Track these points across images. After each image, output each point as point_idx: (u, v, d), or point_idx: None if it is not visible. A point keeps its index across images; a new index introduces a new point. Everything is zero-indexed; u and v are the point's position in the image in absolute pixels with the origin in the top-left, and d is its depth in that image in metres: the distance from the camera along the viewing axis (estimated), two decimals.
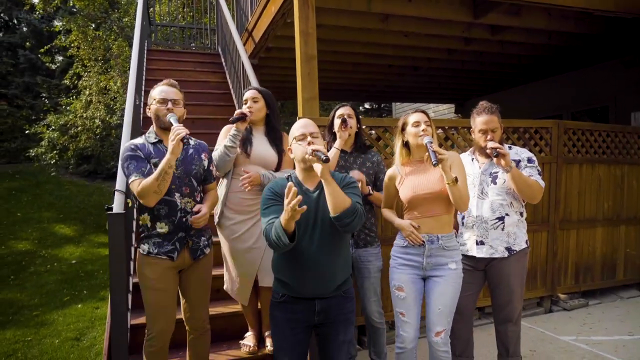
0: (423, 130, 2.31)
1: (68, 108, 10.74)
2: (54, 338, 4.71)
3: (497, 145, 2.48)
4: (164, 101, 2.27)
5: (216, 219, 2.79)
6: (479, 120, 2.62)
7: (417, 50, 6.00)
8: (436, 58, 6.33)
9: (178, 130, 2.08)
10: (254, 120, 2.76)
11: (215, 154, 2.64)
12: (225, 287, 2.88)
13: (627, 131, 4.78)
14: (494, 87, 8.34)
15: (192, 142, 2.39)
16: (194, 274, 2.35)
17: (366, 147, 2.98)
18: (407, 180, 2.44)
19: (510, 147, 2.72)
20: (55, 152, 10.46)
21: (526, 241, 2.70)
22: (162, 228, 2.22)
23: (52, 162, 10.65)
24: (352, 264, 2.81)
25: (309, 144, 1.98)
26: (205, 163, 2.41)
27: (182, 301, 2.40)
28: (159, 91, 2.32)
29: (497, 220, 2.62)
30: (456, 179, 2.22)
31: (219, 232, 2.79)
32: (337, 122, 2.80)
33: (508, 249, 2.63)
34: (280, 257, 2.10)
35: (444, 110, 10.41)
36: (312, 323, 2.10)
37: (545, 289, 4.35)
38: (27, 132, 11.21)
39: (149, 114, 2.35)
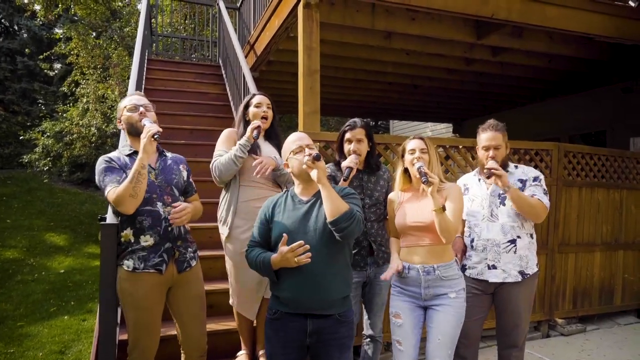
0: (417, 158, 2.29)
1: (64, 115, 10.67)
2: (38, 351, 4.55)
3: (493, 165, 2.44)
4: (134, 108, 2.23)
5: (225, 231, 2.69)
6: (483, 137, 2.59)
7: (418, 69, 6.03)
8: (436, 77, 6.36)
9: (149, 127, 2.05)
10: (264, 127, 2.72)
11: (220, 160, 2.58)
12: (230, 302, 2.78)
13: (626, 156, 4.78)
14: (492, 108, 8.39)
15: (168, 155, 2.37)
16: (184, 291, 2.25)
17: (380, 163, 2.87)
18: (403, 207, 2.40)
19: (516, 167, 2.68)
20: (49, 159, 10.36)
21: (537, 264, 2.65)
22: (146, 241, 2.14)
23: (45, 169, 10.54)
24: (366, 282, 2.73)
25: (307, 154, 1.97)
26: (185, 174, 2.37)
27: (175, 323, 2.30)
28: (126, 101, 2.29)
29: (509, 244, 2.56)
30: (444, 208, 2.18)
31: (226, 247, 2.70)
32: (345, 162, 2.61)
33: (521, 272, 2.57)
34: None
35: (442, 130, 10.45)
36: (305, 344, 2.02)
37: (543, 313, 4.29)
38: (21, 137, 11.09)
39: (120, 127, 2.33)
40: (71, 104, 10.97)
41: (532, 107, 7.91)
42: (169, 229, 2.17)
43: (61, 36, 11.40)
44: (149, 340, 2.16)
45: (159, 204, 2.17)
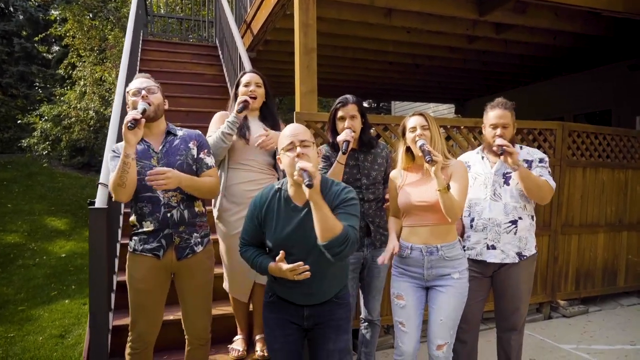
0: (419, 135, 2.20)
1: (62, 98, 10.55)
2: (38, 335, 4.56)
3: (504, 142, 2.35)
4: (137, 92, 2.13)
5: (215, 213, 2.65)
6: (492, 115, 2.50)
7: (419, 48, 5.87)
8: (438, 56, 6.21)
9: (127, 116, 1.93)
10: (253, 106, 2.63)
11: (209, 140, 2.50)
12: (224, 285, 2.75)
13: (632, 135, 4.67)
14: (495, 88, 8.23)
15: (179, 133, 2.25)
16: (187, 278, 2.19)
17: (374, 140, 2.76)
18: (406, 186, 2.33)
19: (521, 147, 2.60)
20: (47, 143, 10.27)
21: (535, 246, 2.59)
22: (147, 227, 2.10)
23: (44, 153, 10.46)
24: (364, 264, 2.69)
25: (297, 155, 1.76)
26: (194, 152, 2.22)
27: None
28: (131, 85, 2.19)
29: (510, 224, 2.49)
30: (448, 187, 2.09)
31: (218, 228, 2.66)
32: (340, 136, 2.53)
33: (519, 254, 2.51)
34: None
35: (444, 111, 10.30)
36: (302, 326, 1.98)
37: (545, 294, 4.25)
38: (19, 121, 11.00)
39: (128, 109, 2.20)
40: (69, 87, 10.83)
41: (536, 86, 7.76)
42: (169, 214, 2.11)
43: (57, 17, 11.20)
44: (146, 324, 2.13)
45: (159, 191, 2.09)
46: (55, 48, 16.35)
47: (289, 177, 1.87)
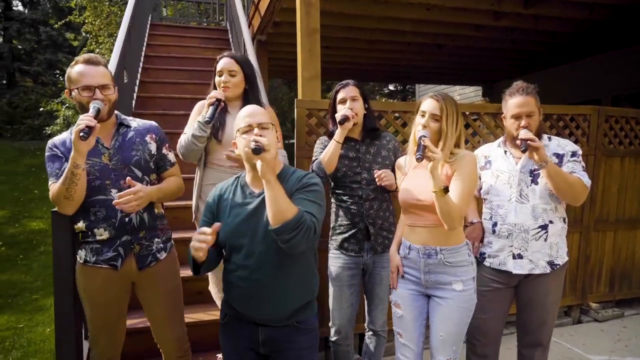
0: (423, 125, 1.90)
1: None
2: (46, 326, 4.52)
3: (528, 135, 2.01)
4: (89, 88, 1.80)
5: (193, 215, 2.44)
6: (512, 103, 2.15)
7: (440, 26, 5.44)
8: (462, 35, 5.75)
9: (80, 121, 1.65)
10: (229, 97, 2.34)
11: (181, 141, 2.27)
12: (210, 287, 2.56)
13: None
14: (525, 68, 7.68)
15: (133, 124, 2.00)
16: (151, 287, 1.98)
17: (378, 129, 2.50)
18: (408, 177, 2.04)
19: (550, 138, 2.24)
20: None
21: (567, 252, 2.26)
22: (101, 235, 1.86)
23: None
24: (364, 269, 2.44)
25: (254, 140, 1.55)
26: (153, 147, 1.99)
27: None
28: (80, 74, 1.82)
29: (539, 229, 2.16)
30: (446, 189, 1.78)
31: (198, 228, 2.45)
32: (339, 112, 2.34)
33: (550, 263, 2.19)
34: (224, 268, 1.75)
35: (471, 93, 9.77)
36: (260, 352, 1.73)
37: (574, 297, 3.87)
38: (41, 109, 11.15)
39: (69, 99, 1.94)
40: None
41: (570, 65, 7.17)
42: (126, 219, 1.88)
43: (76, 4, 11.19)
44: (107, 339, 1.94)
45: (114, 191, 1.85)
46: (83, 34, 16.50)
47: (245, 162, 1.68)
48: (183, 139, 2.27)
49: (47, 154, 1.88)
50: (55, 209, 1.87)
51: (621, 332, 3.67)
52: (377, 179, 2.31)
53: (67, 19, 10.68)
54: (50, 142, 1.89)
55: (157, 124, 2.08)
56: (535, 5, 4.61)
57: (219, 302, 2.43)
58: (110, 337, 1.94)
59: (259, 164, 1.51)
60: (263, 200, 1.60)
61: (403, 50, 6.53)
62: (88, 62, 1.84)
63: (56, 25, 11.10)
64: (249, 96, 2.42)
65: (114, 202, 1.77)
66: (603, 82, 6.69)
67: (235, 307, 1.70)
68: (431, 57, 6.89)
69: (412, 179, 2.01)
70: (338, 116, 2.26)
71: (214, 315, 2.68)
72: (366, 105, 2.41)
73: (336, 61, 6.85)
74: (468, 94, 9.79)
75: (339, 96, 2.38)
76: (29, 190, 10.03)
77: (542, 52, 6.68)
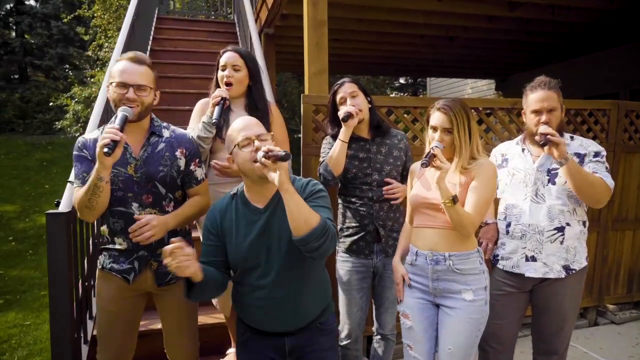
0: (438, 140, 1.82)
1: (92, 80, 10.59)
2: None
3: (549, 130, 1.89)
4: (123, 86, 1.70)
5: None
6: (533, 98, 2.04)
7: (453, 18, 5.27)
8: (474, 27, 5.57)
9: (105, 134, 1.53)
10: (232, 95, 2.24)
11: None
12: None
13: None
14: (539, 61, 7.46)
15: (166, 134, 1.85)
16: (169, 299, 1.89)
17: (386, 126, 2.39)
18: (422, 178, 1.94)
19: (572, 137, 2.13)
20: (79, 124, 10.39)
21: (586, 257, 2.14)
22: (120, 244, 1.79)
23: (77, 135, 10.61)
24: (374, 272, 2.35)
25: (256, 149, 1.50)
26: (182, 162, 1.84)
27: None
28: (119, 70, 1.72)
29: (555, 231, 2.05)
30: (454, 199, 1.68)
31: (198, 230, 2.38)
32: (341, 111, 2.22)
33: (566, 267, 2.07)
34: (234, 290, 1.69)
35: (483, 87, 9.56)
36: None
37: (591, 298, 3.74)
38: (51, 104, 11.19)
39: (108, 96, 1.80)
40: (99, 68, 10.86)
41: (587, 58, 6.94)
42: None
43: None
44: (117, 350, 1.86)
45: (135, 205, 1.75)
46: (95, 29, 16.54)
47: (247, 174, 1.59)
48: None
49: (75, 152, 1.77)
50: (51, 211, 1.81)
51: (639, 336, 3.54)
52: (384, 191, 2.23)
53: (77, 13, 10.65)
54: (80, 141, 1.78)
55: (189, 136, 1.94)
56: None
57: (218, 307, 2.36)
58: (116, 351, 1.87)
59: (274, 176, 1.42)
60: (270, 215, 1.58)
61: (414, 43, 6.37)
62: (131, 59, 1.75)
63: (66, 20, 11.07)
64: (253, 93, 2.31)
65: (130, 235, 1.70)
66: (621, 75, 6.46)
67: (256, 327, 1.65)
68: (443, 49, 6.72)
69: (426, 179, 1.91)
70: (341, 114, 2.15)
71: (217, 318, 2.61)
72: (369, 99, 2.30)
73: (345, 54, 6.71)
74: (480, 88, 9.58)
75: (338, 96, 2.27)
76: (40, 184, 10.09)
77: (558, 44, 6.47)
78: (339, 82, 2.30)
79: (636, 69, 6.25)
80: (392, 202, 2.27)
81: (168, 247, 1.37)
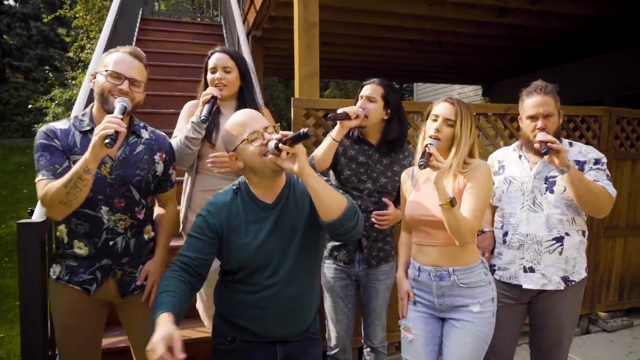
0: (436, 129, 1.73)
1: (73, 82, 10.34)
2: None
3: (548, 137, 1.82)
4: (118, 76, 1.59)
5: (181, 226, 2.24)
6: (529, 103, 1.98)
7: (443, 23, 5.25)
8: (464, 32, 5.56)
9: (108, 124, 1.41)
10: (224, 96, 2.13)
11: (172, 143, 2.06)
12: (197, 304, 2.37)
13: None
14: (526, 68, 7.51)
15: (144, 135, 1.75)
16: (135, 310, 1.76)
17: (401, 142, 2.22)
18: (414, 192, 1.85)
19: (571, 144, 2.07)
20: None
21: (586, 268, 2.08)
22: (80, 248, 1.64)
23: None
24: (357, 281, 2.26)
25: (266, 142, 1.41)
26: (159, 167, 1.76)
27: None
28: (115, 60, 1.61)
29: (554, 242, 1.98)
30: (453, 201, 1.60)
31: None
32: (341, 109, 2.08)
33: (565, 279, 2.01)
34: (226, 290, 1.56)
35: (470, 93, 9.60)
36: None
37: (583, 306, 3.60)
38: (30, 106, 10.89)
39: (91, 86, 1.68)
40: (80, 70, 10.61)
41: (574, 65, 7.01)
42: (111, 242, 1.66)
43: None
44: None
45: (104, 209, 1.62)
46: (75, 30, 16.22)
47: (256, 170, 1.48)
48: (174, 142, 2.05)
49: (42, 141, 1.57)
50: (23, 220, 1.67)
51: (632, 344, 3.51)
52: (373, 216, 2.10)
53: (58, 13, 10.39)
54: (48, 129, 1.60)
55: (169, 140, 1.85)
56: (542, 1, 4.43)
57: (207, 322, 2.24)
58: None
59: (290, 164, 1.35)
60: (281, 210, 1.51)
61: (404, 48, 6.33)
62: (129, 52, 1.65)
63: (46, 20, 10.80)
64: (244, 95, 2.22)
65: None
66: (606, 83, 6.53)
67: (252, 329, 1.51)
68: (432, 55, 6.71)
69: (420, 193, 1.82)
70: (339, 110, 2.02)
71: (202, 332, 2.48)
72: (389, 111, 2.14)
73: (333, 58, 6.63)
74: (467, 94, 9.62)
75: (360, 93, 2.16)
76: (17, 189, 9.77)
77: (545, 51, 6.51)
78: (370, 79, 2.16)
79: (621, 77, 6.32)
80: (375, 226, 2.13)
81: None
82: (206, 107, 1.99)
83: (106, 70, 1.60)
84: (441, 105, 1.78)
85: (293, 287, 1.50)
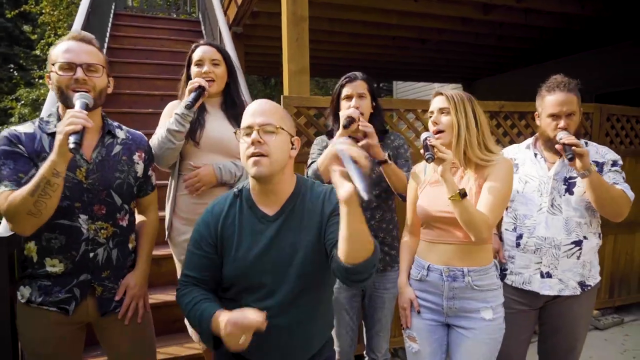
0: (433, 122, 1.68)
1: (40, 81, 9.87)
2: None
3: (572, 140, 1.72)
4: (69, 67, 1.42)
5: (166, 233, 2.06)
6: (551, 100, 1.87)
7: (427, 20, 5.18)
8: (448, 29, 5.51)
9: (73, 119, 1.28)
10: (212, 92, 1.98)
11: (153, 140, 1.88)
12: (185, 320, 2.19)
13: None
14: (507, 66, 7.54)
15: (120, 135, 1.60)
16: (116, 329, 1.58)
17: (387, 131, 2.19)
18: (429, 188, 1.73)
19: (586, 143, 1.98)
20: None
21: (599, 271, 2.00)
22: (53, 266, 1.45)
23: None
24: (364, 290, 2.14)
25: (252, 143, 1.25)
26: (140, 168, 1.63)
27: None
28: (61, 50, 1.45)
29: (572, 246, 1.89)
30: (463, 194, 1.49)
31: (171, 248, 2.08)
32: (343, 112, 1.98)
33: (581, 284, 1.92)
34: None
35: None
36: None
37: None
38: None
39: (49, 86, 1.52)
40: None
41: (554, 63, 7.05)
42: (91, 254, 1.48)
43: None
44: None
45: (82, 217, 1.46)
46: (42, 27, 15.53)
47: (246, 169, 1.32)
48: (155, 138, 1.88)
49: (4, 147, 1.40)
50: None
51: (625, 342, 3.50)
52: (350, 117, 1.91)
53: (22, 9, 9.90)
54: (10, 134, 1.42)
55: (147, 139, 1.71)
56: None
57: (195, 337, 2.06)
58: None
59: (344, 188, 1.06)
60: (281, 226, 1.31)
61: (387, 45, 6.24)
62: (74, 38, 1.48)
63: (9, 15, 10.27)
64: (231, 92, 2.07)
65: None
66: (587, 80, 6.59)
67: (244, 356, 1.34)
68: (414, 52, 6.64)
69: (434, 190, 1.71)
70: (342, 116, 1.90)
71: (191, 348, 2.30)
72: (374, 104, 2.07)
73: (315, 56, 6.45)
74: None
75: (344, 91, 2.03)
76: None
77: (528, 49, 6.54)
78: (349, 75, 2.04)
79: (601, 75, 6.40)
80: (364, 138, 1.93)
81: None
82: (192, 94, 1.85)
83: (55, 64, 1.44)
84: (434, 100, 1.73)
85: (290, 316, 1.31)
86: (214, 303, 1.27)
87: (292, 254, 1.29)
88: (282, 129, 1.29)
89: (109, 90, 1.58)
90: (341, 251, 1.14)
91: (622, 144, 3.72)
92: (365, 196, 0.98)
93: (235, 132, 1.33)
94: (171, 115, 1.90)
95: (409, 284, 1.79)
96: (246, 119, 1.30)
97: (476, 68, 7.95)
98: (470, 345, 1.65)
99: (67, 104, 1.45)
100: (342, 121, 1.89)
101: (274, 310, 1.28)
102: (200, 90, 1.86)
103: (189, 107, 1.82)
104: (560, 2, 4.59)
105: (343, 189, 1.04)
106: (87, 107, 1.38)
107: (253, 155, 1.23)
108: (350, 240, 1.12)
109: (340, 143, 1.07)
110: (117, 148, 1.57)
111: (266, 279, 1.30)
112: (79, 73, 1.43)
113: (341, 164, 1.05)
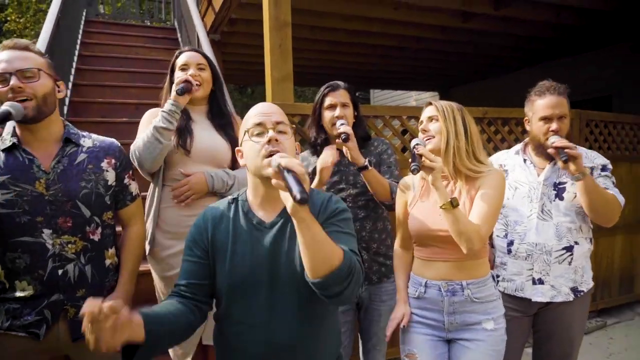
0: (422, 130, 1.64)
1: None
2: None
3: (565, 142, 1.71)
4: (2, 77, 1.33)
5: (147, 247, 1.93)
6: (542, 103, 1.87)
7: (407, 28, 5.19)
8: (427, 37, 5.54)
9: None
10: (198, 97, 1.90)
11: (137, 141, 1.77)
12: (170, 350, 2.05)
13: None
14: (483, 74, 7.65)
15: (86, 143, 1.51)
16: (93, 356, 1.43)
17: (370, 138, 2.15)
18: (420, 203, 1.67)
19: (575, 148, 1.97)
20: None
21: (592, 276, 1.98)
22: (23, 290, 1.33)
23: None
24: (359, 304, 2.06)
25: (269, 141, 1.15)
26: (110, 175, 1.53)
27: None
28: None
29: (563, 251, 1.86)
30: (454, 202, 1.44)
31: (150, 265, 1.95)
32: (326, 116, 1.94)
33: (574, 289, 1.89)
34: (219, 330, 1.29)
35: (427, 99, 9.69)
36: None
37: None
38: None
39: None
40: None
41: (527, 71, 7.20)
42: (60, 271, 1.36)
43: None
44: None
45: (47, 232, 1.35)
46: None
47: (254, 171, 1.21)
48: (140, 139, 1.76)
49: None
50: None
51: (610, 345, 3.52)
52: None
53: None
54: None
55: (118, 144, 1.60)
56: (506, 6, 4.46)
57: (172, 353, 1.93)
58: None
59: (287, 199, 1.00)
60: (278, 234, 1.21)
61: (366, 54, 6.24)
62: (6, 47, 1.37)
63: None
64: (217, 100, 1.99)
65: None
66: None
67: None
68: (393, 60, 6.66)
69: (427, 204, 1.65)
70: (339, 131, 1.83)
71: None
72: (356, 113, 2.04)
73: (295, 64, 6.43)
74: (424, 100, 9.69)
75: (327, 101, 1.98)
76: None
77: (505, 57, 6.65)
78: (331, 84, 2.00)
79: (573, 82, 6.56)
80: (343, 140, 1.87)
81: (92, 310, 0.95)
82: (181, 85, 1.75)
83: None
84: (424, 110, 1.70)
85: (287, 334, 1.20)
86: (154, 309, 1.13)
87: (289, 266, 1.19)
88: (291, 130, 1.25)
89: (60, 95, 1.48)
90: (305, 267, 1.09)
91: (600, 149, 3.78)
92: (298, 196, 0.94)
93: (245, 132, 1.23)
94: (151, 123, 1.79)
95: (409, 303, 1.71)
96: (256, 118, 1.22)
97: (453, 76, 8.04)
98: (474, 357, 1.59)
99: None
100: (338, 140, 1.84)
101: (272, 327, 1.18)
102: (188, 84, 1.77)
103: (179, 93, 1.72)
104: (538, 9, 4.67)
105: (287, 203, 1.01)
106: (6, 117, 1.28)
107: (271, 154, 1.12)
108: (307, 254, 1.06)
109: (275, 158, 1.04)
110: (82, 156, 1.48)
111: (259, 292, 1.20)
112: (13, 81, 1.32)
113: (281, 178, 1.00)
